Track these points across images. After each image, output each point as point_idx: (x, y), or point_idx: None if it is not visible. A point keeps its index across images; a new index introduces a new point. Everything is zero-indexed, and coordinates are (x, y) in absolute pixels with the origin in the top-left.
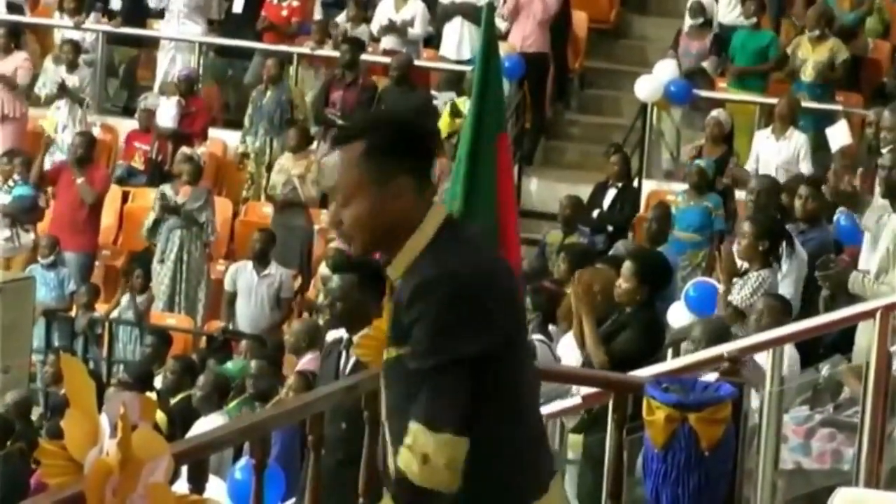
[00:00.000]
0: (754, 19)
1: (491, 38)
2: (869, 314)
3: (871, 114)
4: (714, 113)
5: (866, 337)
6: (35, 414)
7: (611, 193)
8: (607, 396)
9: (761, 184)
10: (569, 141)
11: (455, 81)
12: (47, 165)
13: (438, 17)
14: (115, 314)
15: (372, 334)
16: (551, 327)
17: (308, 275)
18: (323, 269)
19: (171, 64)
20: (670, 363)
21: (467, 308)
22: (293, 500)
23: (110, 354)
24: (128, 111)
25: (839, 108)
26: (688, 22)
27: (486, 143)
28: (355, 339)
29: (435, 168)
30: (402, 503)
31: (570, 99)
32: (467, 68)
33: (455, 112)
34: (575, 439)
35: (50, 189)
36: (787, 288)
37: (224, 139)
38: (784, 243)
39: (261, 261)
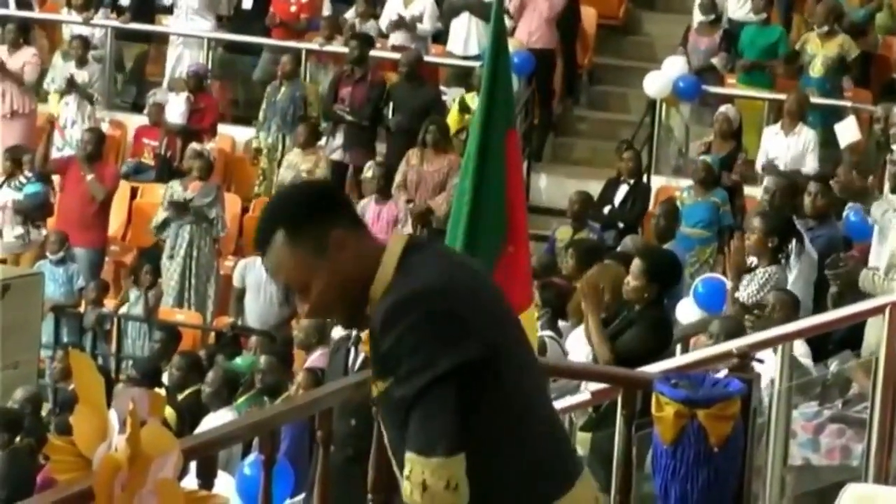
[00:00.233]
0: (764, 15)
1: (500, 34)
2: (878, 310)
3: (879, 110)
4: (722, 109)
5: (875, 333)
6: (44, 410)
7: (622, 190)
8: (616, 392)
9: (777, 184)
10: (578, 137)
11: (463, 77)
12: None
13: (446, 12)
14: (123, 310)
15: None
16: (561, 323)
17: None
18: None
19: (179, 60)
20: (679, 359)
21: (441, 322)
22: (302, 496)
23: (119, 350)
24: (137, 107)
25: (848, 104)
26: (698, 18)
27: (496, 139)
28: (363, 335)
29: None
30: None
31: (579, 95)
32: (476, 64)
33: (464, 108)
34: (583, 437)
35: (56, 183)
36: (798, 289)
37: (233, 135)
38: (794, 240)
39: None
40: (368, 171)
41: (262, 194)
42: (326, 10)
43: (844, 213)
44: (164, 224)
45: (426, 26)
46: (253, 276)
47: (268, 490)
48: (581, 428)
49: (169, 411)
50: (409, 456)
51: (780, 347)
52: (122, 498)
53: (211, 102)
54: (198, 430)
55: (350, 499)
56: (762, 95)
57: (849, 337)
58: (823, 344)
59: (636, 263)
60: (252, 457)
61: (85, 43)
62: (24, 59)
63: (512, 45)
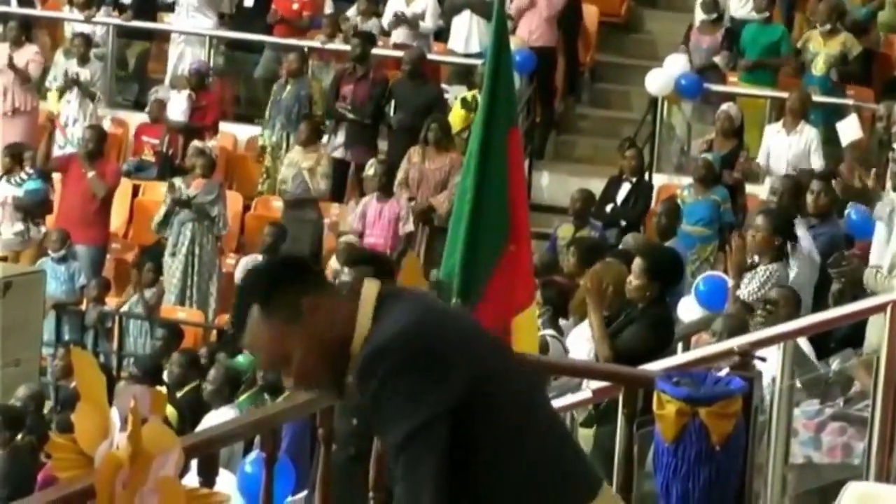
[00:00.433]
0: (766, 13)
1: (502, 32)
2: (880, 308)
3: (881, 108)
4: (724, 107)
5: (877, 331)
6: (45, 407)
7: (624, 188)
8: (617, 390)
9: (784, 185)
10: (579, 135)
11: (464, 75)
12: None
13: (447, 10)
14: (125, 308)
15: None
16: (562, 321)
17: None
18: (333, 263)
19: (181, 58)
20: (681, 357)
21: (417, 366)
22: (303, 493)
23: (121, 348)
24: (138, 105)
25: (850, 102)
26: (700, 16)
27: (498, 137)
28: None
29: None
30: None
31: (581, 93)
32: (477, 62)
33: (465, 106)
34: (585, 433)
35: (56, 180)
36: (798, 287)
37: (235, 133)
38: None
39: (272, 255)
40: (370, 169)
41: (265, 192)
42: (328, 8)
43: (846, 211)
44: (166, 220)
45: (428, 24)
46: None
47: (269, 488)
48: (581, 424)
49: (170, 409)
50: None
51: (782, 345)
52: (123, 496)
53: (212, 100)
54: (199, 428)
55: (352, 497)
56: (764, 93)
57: (850, 335)
58: (825, 342)
59: (638, 262)
60: (253, 454)
61: (87, 41)
62: (26, 57)
63: (513, 43)
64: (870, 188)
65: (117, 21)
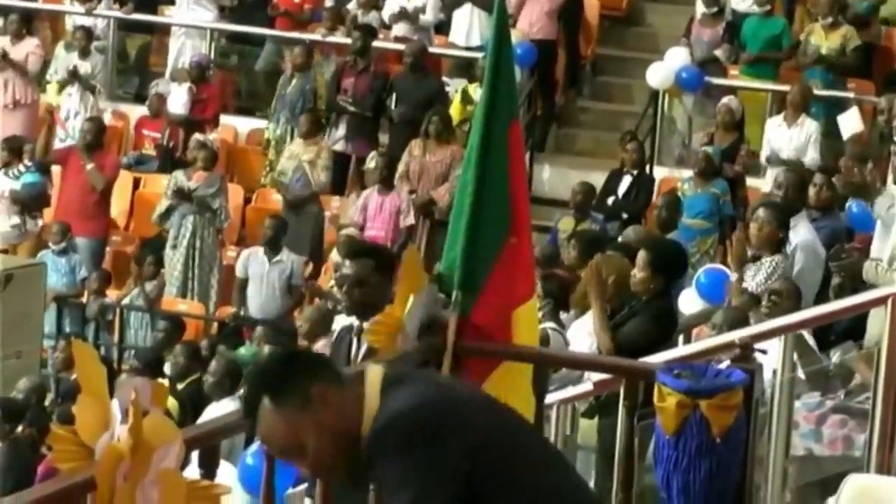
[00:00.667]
0: (767, 7)
1: (503, 25)
2: (881, 301)
3: (882, 101)
4: (725, 100)
5: (878, 324)
6: (46, 399)
7: (626, 180)
8: (618, 383)
9: (788, 178)
10: (581, 128)
11: (466, 68)
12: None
13: (448, 3)
14: (126, 300)
15: (383, 321)
16: (563, 315)
17: (319, 262)
18: (335, 255)
19: (182, 50)
20: (682, 349)
21: (421, 439)
22: (304, 486)
23: (121, 340)
24: (139, 98)
25: (851, 95)
26: (701, 9)
27: (499, 130)
28: (366, 325)
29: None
30: None
31: (582, 86)
32: (478, 55)
33: (466, 99)
34: (587, 424)
35: (55, 174)
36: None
37: (235, 125)
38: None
39: (272, 247)
40: (371, 162)
41: (268, 185)
42: (329, 1)
43: (847, 205)
44: (167, 214)
45: (428, 17)
46: (255, 266)
47: (270, 480)
48: (583, 414)
49: (171, 401)
50: None
51: (783, 337)
52: (124, 488)
53: (213, 93)
54: (200, 420)
55: (354, 488)
56: (765, 87)
57: (851, 328)
58: (826, 335)
59: (642, 255)
60: (255, 446)
61: (88, 34)
62: (27, 50)
63: (514, 35)
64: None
65: (118, 14)
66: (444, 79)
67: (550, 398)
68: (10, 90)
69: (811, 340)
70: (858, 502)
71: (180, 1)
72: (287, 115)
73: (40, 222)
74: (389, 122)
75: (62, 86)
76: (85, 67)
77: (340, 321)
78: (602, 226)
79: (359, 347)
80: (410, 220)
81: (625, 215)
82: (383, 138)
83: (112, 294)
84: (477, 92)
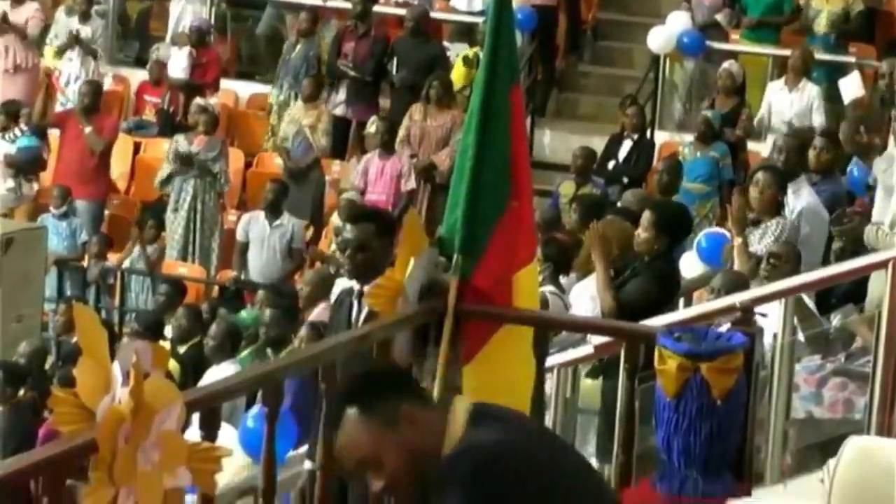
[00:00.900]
0: None
1: None
2: (882, 264)
3: (884, 65)
4: (726, 64)
5: (879, 287)
6: (47, 363)
7: (626, 145)
8: (619, 346)
9: (787, 143)
10: (581, 92)
11: (466, 32)
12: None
13: None
14: (126, 264)
15: (384, 284)
16: (563, 279)
17: (320, 226)
18: (335, 219)
19: (182, 15)
20: (682, 312)
21: (492, 479)
22: (304, 448)
23: (122, 304)
24: (140, 62)
25: (852, 60)
26: None
27: (499, 94)
28: (367, 289)
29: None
30: None
31: (583, 51)
32: (479, 19)
33: (467, 63)
34: (591, 385)
35: (54, 138)
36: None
37: (236, 90)
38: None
39: (273, 211)
40: (371, 127)
41: (270, 150)
42: None
43: (848, 168)
44: (169, 179)
45: None
46: (256, 230)
47: (271, 442)
48: (587, 375)
49: (172, 364)
50: None
51: (784, 301)
52: (125, 450)
53: (213, 57)
54: (201, 383)
55: None
56: (766, 51)
57: (852, 291)
58: (827, 298)
59: (647, 215)
60: (255, 409)
61: None
62: (26, 14)
63: (515, 0)
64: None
65: None
66: (445, 43)
67: (551, 361)
68: (11, 55)
69: (811, 304)
70: (859, 465)
71: None
72: (291, 81)
73: (35, 186)
74: (390, 86)
75: (61, 50)
76: (86, 31)
77: (341, 284)
78: (603, 190)
79: (359, 311)
80: (411, 184)
81: (625, 179)
82: (384, 103)
83: (113, 258)
84: (478, 56)
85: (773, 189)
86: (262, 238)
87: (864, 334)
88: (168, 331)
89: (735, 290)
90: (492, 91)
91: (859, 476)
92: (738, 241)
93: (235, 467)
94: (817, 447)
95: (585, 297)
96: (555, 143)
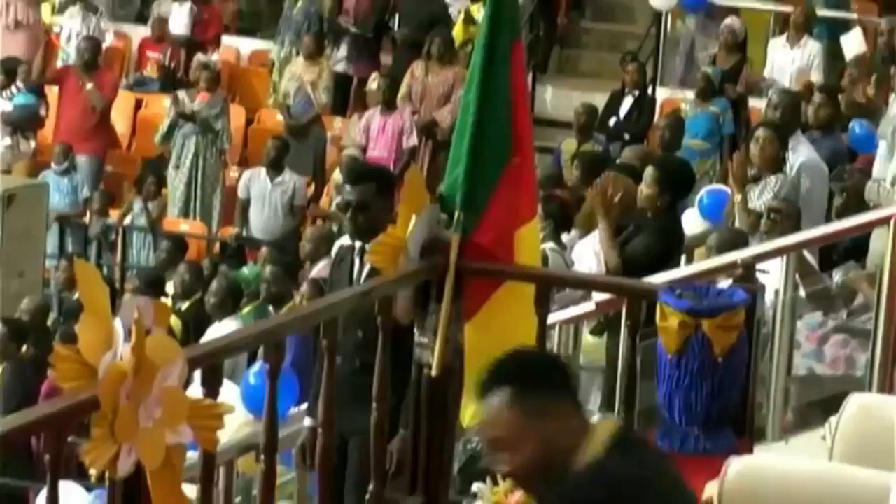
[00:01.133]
0: None
1: None
2: (883, 221)
3: (884, 22)
4: (728, 21)
5: (880, 243)
6: (49, 319)
7: (627, 101)
8: (621, 302)
9: (782, 100)
10: (583, 49)
11: None
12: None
13: None
14: (128, 220)
15: (385, 241)
16: (564, 235)
17: (321, 182)
18: (337, 176)
19: None
20: (684, 269)
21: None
22: (305, 405)
23: (124, 260)
24: (141, 18)
25: (854, 16)
26: None
27: (501, 51)
28: (369, 246)
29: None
30: None
31: (585, 7)
32: None
33: (469, 19)
34: (595, 343)
35: (52, 95)
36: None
37: (237, 46)
38: None
39: (275, 168)
40: (373, 83)
41: (272, 106)
42: None
43: (850, 125)
44: (170, 133)
45: None
46: (257, 187)
47: (273, 399)
48: (591, 332)
49: (174, 321)
50: None
51: (785, 257)
52: (127, 407)
53: (214, 13)
54: (202, 340)
55: (356, 408)
56: (768, 7)
57: (853, 248)
58: (828, 255)
59: (650, 171)
60: (257, 366)
61: None
62: None
63: None
64: (873, 101)
65: None
66: (447, 0)
67: (552, 318)
68: (12, 10)
69: (812, 260)
70: (860, 421)
71: None
72: (292, 37)
73: (33, 143)
74: (392, 42)
75: (62, 7)
76: None
77: (341, 241)
78: (605, 147)
79: (361, 267)
80: (413, 140)
81: (626, 136)
82: (385, 59)
83: (114, 214)
84: (480, 13)
85: (775, 145)
86: (264, 195)
87: (865, 291)
88: (169, 287)
89: (730, 248)
90: (493, 47)
91: (861, 432)
92: (738, 197)
93: (237, 424)
94: (819, 404)
95: (589, 253)
96: (556, 99)
